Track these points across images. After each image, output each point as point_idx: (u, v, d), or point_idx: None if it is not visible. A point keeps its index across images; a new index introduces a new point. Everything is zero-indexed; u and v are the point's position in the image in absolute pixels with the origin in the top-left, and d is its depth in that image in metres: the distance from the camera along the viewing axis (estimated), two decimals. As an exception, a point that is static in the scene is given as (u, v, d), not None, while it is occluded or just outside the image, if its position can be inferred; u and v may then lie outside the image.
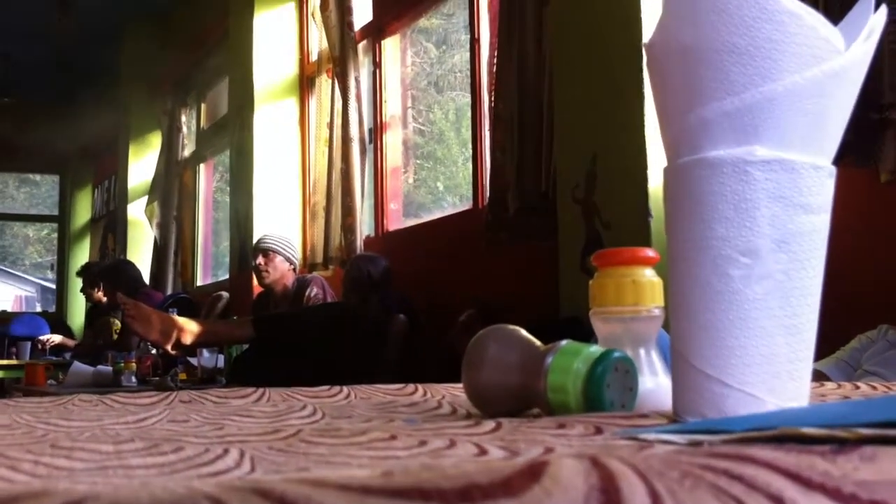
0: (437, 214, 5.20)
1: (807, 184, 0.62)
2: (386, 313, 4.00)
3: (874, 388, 1.15)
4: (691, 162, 0.63)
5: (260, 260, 4.66)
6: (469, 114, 4.55)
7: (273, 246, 4.66)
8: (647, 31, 2.93)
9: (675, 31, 0.64)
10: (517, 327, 0.82)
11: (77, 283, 9.65)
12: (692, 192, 0.63)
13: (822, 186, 0.63)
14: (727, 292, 0.62)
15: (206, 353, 4.50)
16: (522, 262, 3.81)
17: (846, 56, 0.61)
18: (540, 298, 3.53)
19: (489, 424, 0.64)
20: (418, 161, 5.97)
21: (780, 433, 0.36)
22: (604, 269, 0.82)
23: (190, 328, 3.39)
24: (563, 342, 0.77)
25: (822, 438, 0.35)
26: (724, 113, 0.62)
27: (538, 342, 0.80)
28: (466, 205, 4.65)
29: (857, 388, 1.15)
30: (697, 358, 0.63)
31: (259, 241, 4.78)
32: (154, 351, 4.67)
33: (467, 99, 4.74)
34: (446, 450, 0.50)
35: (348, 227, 5.11)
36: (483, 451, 0.49)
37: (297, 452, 0.51)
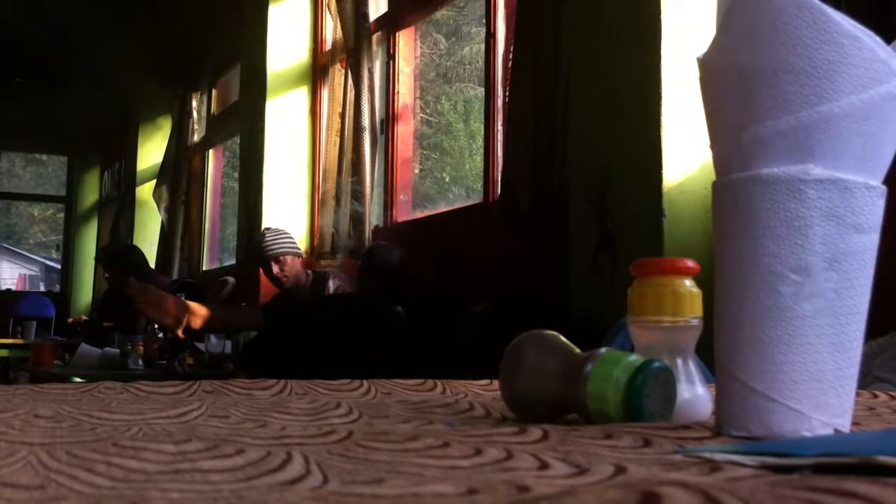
0: (441, 205, 5.20)
1: (859, 203, 0.63)
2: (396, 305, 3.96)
3: (893, 396, 1.16)
4: (744, 178, 0.64)
5: (276, 270, 4.53)
6: (479, 106, 4.55)
7: (281, 250, 4.55)
8: (667, 31, 2.93)
9: (732, 49, 0.65)
10: (555, 333, 0.83)
11: (83, 264, 9.64)
12: (744, 209, 0.64)
13: (873, 206, 0.63)
14: (777, 308, 0.62)
15: (213, 338, 4.50)
16: (533, 257, 3.81)
17: (903, 79, 0.62)
18: (550, 295, 3.53)
19: (536, 432, 0.64)
20: (424, 151, 5.98)
21: (861, 461, 0.37)
22: (643, 279, 0.82)
23: (200, 313, 3.40)
24: (602, 350, 0.78)
25: (903, 469, 0.36)
26: (780, 131, 0.62)
27: (577, 349, 0.80)
28: (473, 197, 4.65)
29: (875, 396, 1.16)
30: (744, 372, 0.64)
31: (264, 251, 4.58)
32: (161, 335, 4.68)
33: (476, 91, 4.74)
34: (507, 461, 0.51)
35: (358, 218, 5.12)
36: (544, 465, 0.49)
37: (360, 458, 0.52)
